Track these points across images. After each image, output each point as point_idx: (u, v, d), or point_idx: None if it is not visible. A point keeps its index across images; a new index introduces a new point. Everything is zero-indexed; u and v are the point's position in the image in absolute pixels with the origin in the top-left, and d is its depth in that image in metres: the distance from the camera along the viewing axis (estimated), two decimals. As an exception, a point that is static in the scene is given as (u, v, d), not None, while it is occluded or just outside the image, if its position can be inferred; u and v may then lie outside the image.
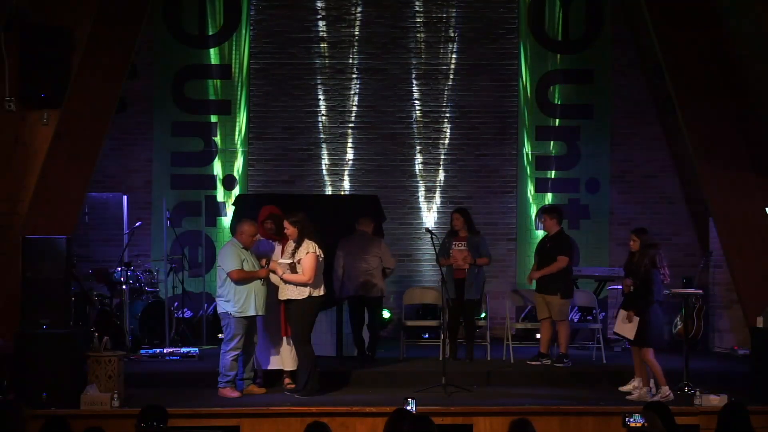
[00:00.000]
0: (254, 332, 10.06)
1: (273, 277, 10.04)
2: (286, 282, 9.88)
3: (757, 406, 9.07)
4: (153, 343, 12.31)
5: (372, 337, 11.53)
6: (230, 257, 9.85)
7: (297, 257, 9.82)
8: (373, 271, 11.35)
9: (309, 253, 9.80)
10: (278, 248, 10.15)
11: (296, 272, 9.81)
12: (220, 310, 9.95)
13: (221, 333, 10.27)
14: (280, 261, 9.89)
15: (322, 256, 9.93)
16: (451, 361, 10.92)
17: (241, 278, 9.77)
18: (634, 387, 10.22)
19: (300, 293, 9.84)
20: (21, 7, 10.17)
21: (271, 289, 10.04)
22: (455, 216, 11.83)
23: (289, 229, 9.89)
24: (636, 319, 9.92)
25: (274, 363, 10.19)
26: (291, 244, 9.93)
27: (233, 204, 11.79)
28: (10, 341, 9.68)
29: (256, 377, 10.20)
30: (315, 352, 10.02)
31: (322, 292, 9.97)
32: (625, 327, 10.03)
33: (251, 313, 9.84)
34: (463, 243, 11.66)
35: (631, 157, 14.45)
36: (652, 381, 10.03)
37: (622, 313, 10.10)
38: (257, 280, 9.88)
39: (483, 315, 12.28)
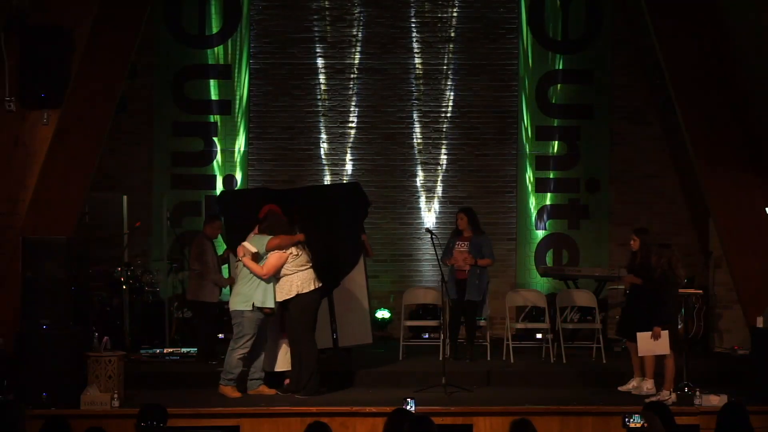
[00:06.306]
0: (266, 331, 9.99)
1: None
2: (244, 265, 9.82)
3: (757, 406, 9.07)
4: (153, 343, 12.31)
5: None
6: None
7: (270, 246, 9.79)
8: None
9: (279, 252, 9.78)
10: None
11: (257, 262, 9.75)
12: (232, 308, 9.83)
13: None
14: (245, 244, 9.85)
15: (299, 254, 9.84)
16: (451, 361, 10.92)
17: (280, 264, 9.75)
18: (633, 387, 10.22)
19: (287, 293, 9.80)
20: (21, 7, 10.16)
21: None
22: (459, 216, 11.85)
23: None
24: (665, 333, 9.75)
25: (281, 365, 10.15)
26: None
27: (217, 201, 11.59)
28: (10, 341, 9.68)
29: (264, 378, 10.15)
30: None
31: (312, 287, 9.85)
32: (655, 345, 9.79)
33: (270, 304, 9.75)
34: (465, 243, 11.67)
35: (631, 157, 14.44)
36: (652, 381, 10.03)
37: (644, 335, 9.78)
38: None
39: (483, 318, 12.17)
